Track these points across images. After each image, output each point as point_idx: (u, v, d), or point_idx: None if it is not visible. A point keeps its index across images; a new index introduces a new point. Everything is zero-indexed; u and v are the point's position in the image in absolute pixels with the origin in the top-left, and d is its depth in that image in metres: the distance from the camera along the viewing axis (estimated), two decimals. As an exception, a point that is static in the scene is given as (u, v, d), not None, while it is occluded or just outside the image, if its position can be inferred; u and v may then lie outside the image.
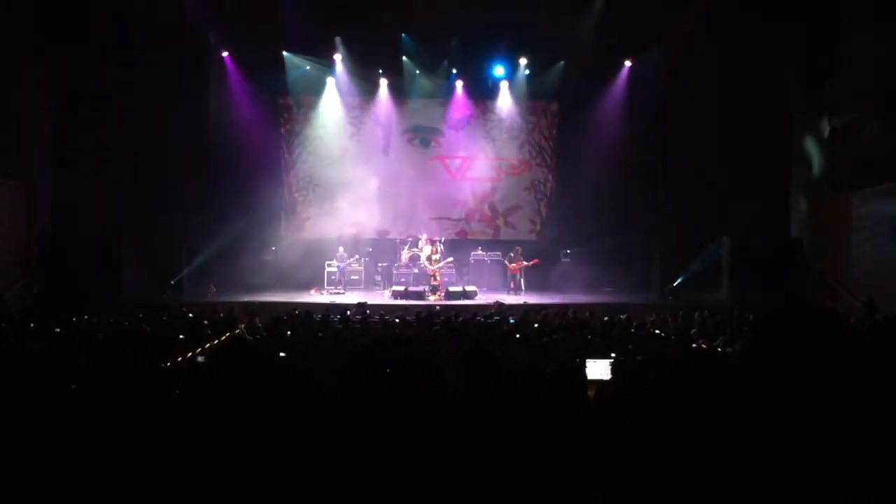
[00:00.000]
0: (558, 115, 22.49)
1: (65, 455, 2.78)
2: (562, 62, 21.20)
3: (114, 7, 16.95)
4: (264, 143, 21.46)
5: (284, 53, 20.79)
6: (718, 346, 9.95)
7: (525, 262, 19.82)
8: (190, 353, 8.70)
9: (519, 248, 20.21)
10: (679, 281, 19.10)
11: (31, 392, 3.18)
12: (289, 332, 10.56)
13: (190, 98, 18.87)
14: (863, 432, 1.99)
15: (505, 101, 22.24)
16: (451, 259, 19.98)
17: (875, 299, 14.57)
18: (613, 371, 5.31)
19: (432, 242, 19.87)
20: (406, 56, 21.13)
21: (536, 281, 20.16)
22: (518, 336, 9.83)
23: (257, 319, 13.14)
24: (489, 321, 11.80)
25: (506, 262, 20.24)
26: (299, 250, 20.89)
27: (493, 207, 22.68)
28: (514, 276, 19.93)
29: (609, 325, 11.58)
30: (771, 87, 18.70)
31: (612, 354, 7.28)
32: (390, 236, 21.87)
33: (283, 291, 19.37)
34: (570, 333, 10.29)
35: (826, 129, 18.16)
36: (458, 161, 22.61)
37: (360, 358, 1.64)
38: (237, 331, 11.41)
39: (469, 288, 18.99)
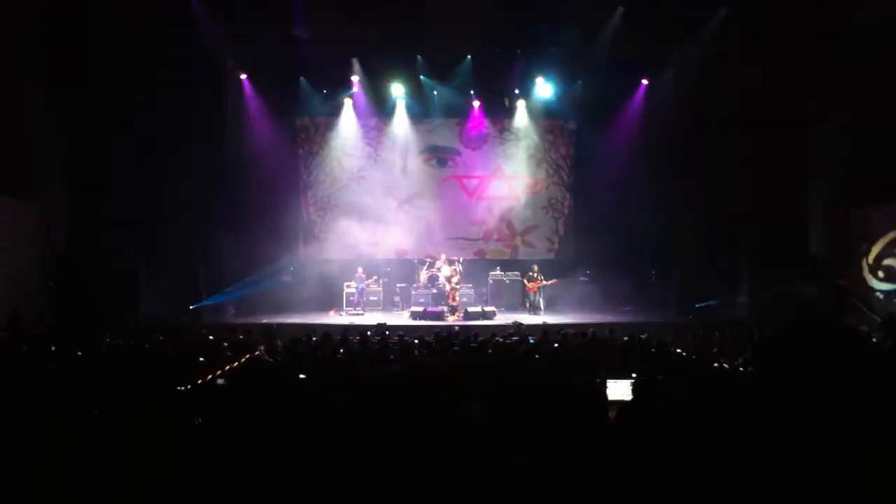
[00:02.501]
0: (575, 133, 22.51)
1: (83, 478, 2.78)
2: (579, 81, 21.24)
3: (131, 27, 17.06)
4: (282, 164, 21.55)
5: (301, 79, 20.96)
6: (739, 365, 9.86)
7: (544, 281, 19.75)
8: (210, 376, 8.70)
9: (536, 267, 20.16)
10: (705, 304, 18.94)
11: (51, 415, 3.18)
12: (308, 355, 10.56)
13: (207, 119, 19.00)
14: (879, 453, 1.96)
15: (522, 120, 22.31)
16: (463, 282, 19.91)
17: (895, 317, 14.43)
18: (634, 391, 5.29)
19: (450, 262, 19.84)
20: (423, 76, 21.24)
21: (555, 300, 20.09)
22: (538, 356, 9.78)
23: (278, 341, 13.14)
24: (508, 342, 11.75)
25: (524, 280, 20.20)
26: (317, 271, 20.92)
27: (510, 226, 22.68)
28: (532, 295, 19.86)
29: (629, 344, 11.52)
30: (787, 103, 18.61)
31: (633, 374, 7.22)
32: (408, 256, 21.88)
33: (301, 313, 19.39)
34: (590, 353, 10.23)
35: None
36: (475, 180, 22.65)
37: (381, 389, 1.64)
38: (256, 353, 11.40)
39: (488, 308, 18.97)
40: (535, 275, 19.85)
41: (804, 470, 1.98)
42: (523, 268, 20.64)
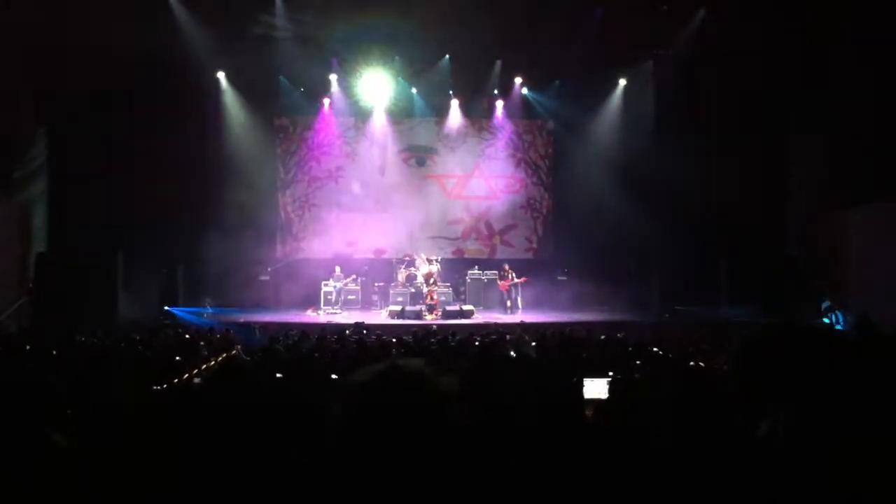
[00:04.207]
0: (553, 133, 22.59)
1: (62, 479, 2.76)
2: (557, 81, 21.30)
3: (110, 27, 16.93)
4: (260, 163, 21.45)
5: (281, 78, 20.89)
6: (716, 365, 9.90)
7: (515, 279, 19.76)
8: (186, 375, 8.64)
9: (507, 266, 20.20)
10: (684, 308, 19.00)
11: (27, 416, 3.16)
12: (285, 354, 10.51)
13: (185, 118, 18.88)
14: (855, 448, 1.98)
15: (500, 120, 22.35)
16: (441, 281, 19.93)
17: (870, 315, 14.53)
18: (611, 390, 5.31)
19: (429, 262, 19.85)
20: (401, 76, 21.22)
21: (532, 299, 20.11)
22: (515, 355, 9.78)
23: (257, 333, 13.11)
24: (486, 341, 11.75)
25: (497, 279, 20.23)
26: (295, 270, 20.87)
27: (489, 226, 22.71)
28: (507, 294, 19.86)
29: (606, 343, 11.55)
30: (767, 104, 18.73)
31: (610, 373, 7.25)
32: (387, 256, 21.86)
33: (279, 312, 19.33)
34: (567, 352, 10.24)
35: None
36: (454, 180, 22.66)
37: (360, 391, 1.64)
38: (233, 352, 11.35)
39: (466, 307, 18.97)
40: (507, 273, 19.88)
41: (785, 467, 2.00)
42: (501, 267, 20.64)
